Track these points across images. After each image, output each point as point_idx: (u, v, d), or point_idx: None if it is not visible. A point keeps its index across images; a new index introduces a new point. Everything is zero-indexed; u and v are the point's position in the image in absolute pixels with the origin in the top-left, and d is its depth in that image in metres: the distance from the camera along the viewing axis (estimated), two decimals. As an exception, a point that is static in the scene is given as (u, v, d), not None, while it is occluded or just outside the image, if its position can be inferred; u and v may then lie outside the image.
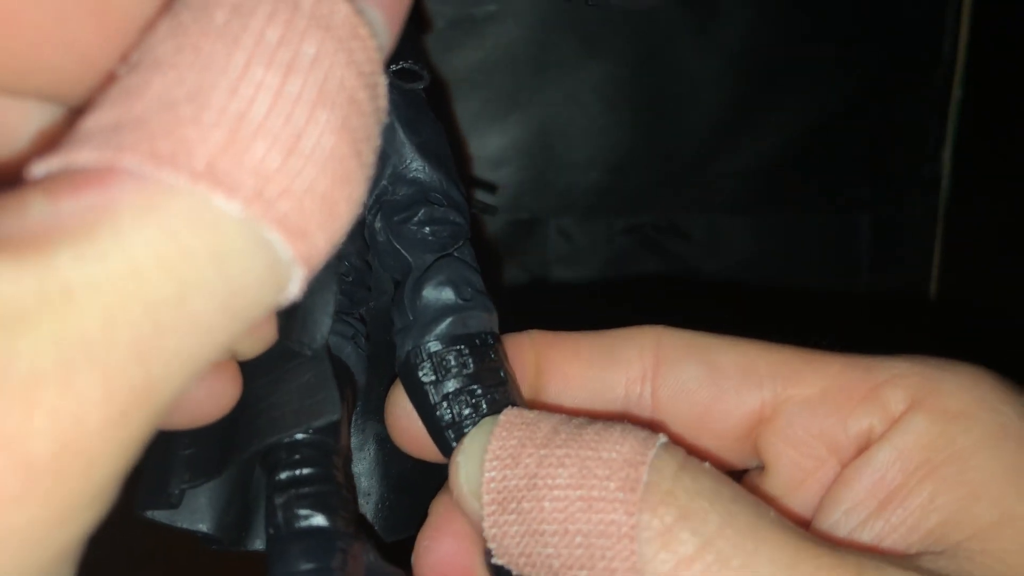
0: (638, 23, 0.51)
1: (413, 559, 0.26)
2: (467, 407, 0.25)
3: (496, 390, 0.25)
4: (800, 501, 0.26)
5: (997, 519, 0.22)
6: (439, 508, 0.25)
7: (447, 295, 0.26)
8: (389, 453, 0.29)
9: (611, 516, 0.20)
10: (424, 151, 0.27)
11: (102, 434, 0.13)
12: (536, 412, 0.23)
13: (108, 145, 0.14)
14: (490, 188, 0.52)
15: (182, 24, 0.15)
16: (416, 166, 0.27)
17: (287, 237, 0.14)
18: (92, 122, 0.14)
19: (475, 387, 0.25)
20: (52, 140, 0.16)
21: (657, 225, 0.55)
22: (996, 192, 0.57)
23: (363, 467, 0.29)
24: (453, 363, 0.25)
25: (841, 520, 0.24)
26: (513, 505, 0.21)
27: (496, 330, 0.27)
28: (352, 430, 0.29)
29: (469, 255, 0.27)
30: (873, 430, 0.25)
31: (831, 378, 0.25)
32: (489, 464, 0.22)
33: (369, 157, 0.16)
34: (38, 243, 0.13)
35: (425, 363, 0.25)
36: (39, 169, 0.14)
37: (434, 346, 0.25)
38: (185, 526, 0.26)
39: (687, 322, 0.28)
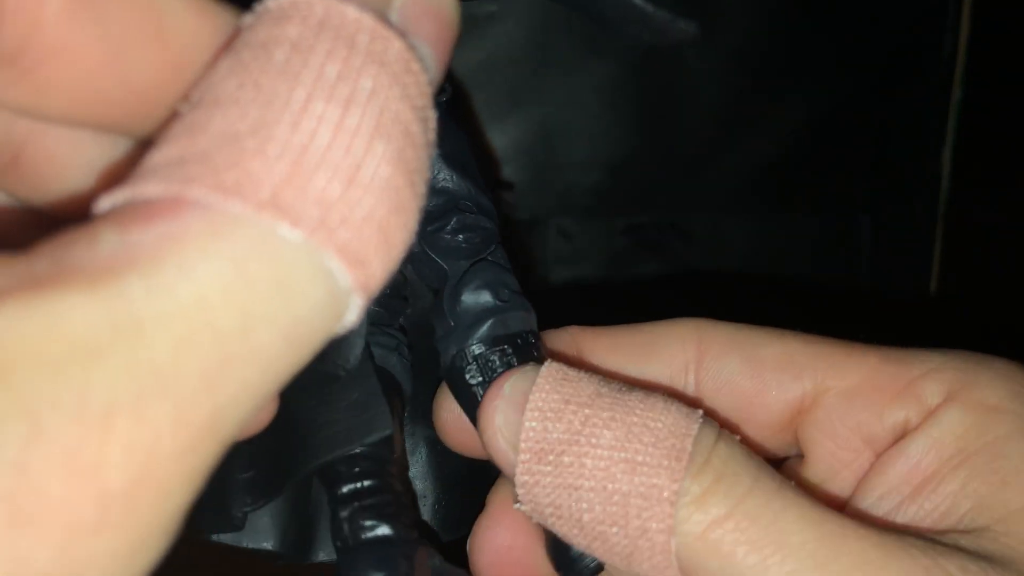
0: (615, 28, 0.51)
1: (469, 550, 0.27)
2: None
3: None
4: (835, 491, 0.27)
5: (1023, 505, 0.23)
6: (495, 500, 0.26)
7: (485, 298, 0.27)
8: (440, 455, 0.30)
9: (654, 480, 0.22)
10: (450, 161, 0.27)
11: (172, 464, 0.13)
12: (578, 371, 0.24)
13: (174, 178, 0.14)
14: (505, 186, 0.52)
15: (242, 62, 0.15)
16: (444, 176, 0.27)
17: (347, 265, 0.15)
18: (157, 157, 0.14)
19: None
20: (116, 177, 0.17)
21: (657, 225, 0.55)
22: (996, 192, 0.57)
23: (416, 470, 0.30)
24: (498, 363, 0.26)
25: (875, 505, 0.25)
26: (551, 457, 0.22)
27: (535, 328, 0.28)
28: (404, 433, 0.29)
29: (502, 257, 0.28)
30: (909, 422, 0.25)
31: (869, 371, 0.26)
32: (531, 414, 0.23)
33: (421, 188, 0.16)
34: (109, 274, 0.13)
35: (471, 365, 0.26)
36: (106, 203, 0.14)
37: (478, 348, 0.26)
38: (251, 546, 0.27)
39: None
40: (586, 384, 0.23)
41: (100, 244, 0.13)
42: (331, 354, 0.25)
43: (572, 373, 0.23)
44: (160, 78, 0.17)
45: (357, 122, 0.15)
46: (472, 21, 0.50)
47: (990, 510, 0.23)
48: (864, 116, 0.55)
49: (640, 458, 0.22)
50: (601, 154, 0.53)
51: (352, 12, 0.15)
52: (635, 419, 0.22)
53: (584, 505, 0.22)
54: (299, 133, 0.14)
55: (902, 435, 0.26)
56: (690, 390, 0.28)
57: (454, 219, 0.27)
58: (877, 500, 0.25)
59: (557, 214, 0.54)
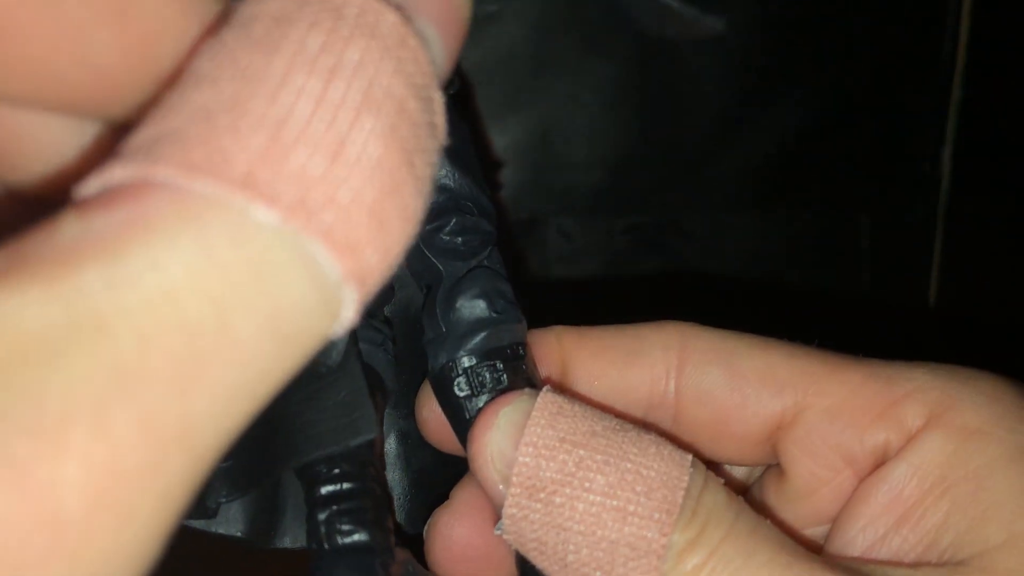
0: (638, 22, 0.51)
1: (426, 539, 0.27)
2: None
3: None
4: (814, 508, 0.27)
5: (1004, 540, 0.23)
6: (459, 494, 0.26)
7: (480, 308, 0.26)
8: (410, 447, 0.29)
9: (644, 532, 0.22)
10: (452, 157, 0.27)
11: (138, 482, 0.12)
12: (572, 404, 0.24)
13: (142, 159, 0.13)
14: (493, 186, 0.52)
15: (223, 41, 0.14)
16: (445, 172, 0.27)
17: (334, 251, 0.13)
18: (131, 142, 0.14)
19: None
20: (93, 162, 0.16)
21: (657, 224, 0.55)
22: (996, 192, 0.57)
23: (384, 460, 0.29)
24: (488, 378, 0.26)
25: (858, 536, 0.25)
26: (542, 495, 0.22)
27: (525, 339, 0.27)
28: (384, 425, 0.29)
29: (498, 262, 0.28)
30: (889, 445, 0.25)
31: (851, 389, 0.26)
32: (524, 449, 0.23)
33: (424, 171, 0.15)
34: (67, 266, 0.12)
35: (460, 378, 0.26)
36: (78, 192, 0.13)
37: (468, 360, 0.26)
38: (221, 531, 0.26)
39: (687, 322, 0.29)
40: (581, 421, 0.23)
41: (60, 233, 0.12)
42: None
43: (567, 406, 0.23)
44: (124, 60, 0.15)
45: (342, 95, 0.14)
46: (472, 21, 0.50)
47: (971, 544, 0.23)
48: (864, 116, 0.55)
49: (632, 508, 0.22)
50: (601, 154, 0.53)
51: None
52: (628, 465, 0.22)
53: (571, 547, 0.22)
54: (276, 106, 0.13)
55: (883, 457, 0.25)
56: (670, 397, 0.27)
57: (454, 219, 0.27)
58: (861, 530, 0.25)
59: (557, 214, 0.54)
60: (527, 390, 0.24)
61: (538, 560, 0.23)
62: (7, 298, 0.11)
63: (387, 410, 0.29)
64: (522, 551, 0.23)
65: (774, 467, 0.28)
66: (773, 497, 0.27)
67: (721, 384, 0.27)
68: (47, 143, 0.17)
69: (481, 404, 0.26)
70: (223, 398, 0.12)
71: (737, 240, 0.56)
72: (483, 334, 0.26)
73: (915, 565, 0.23)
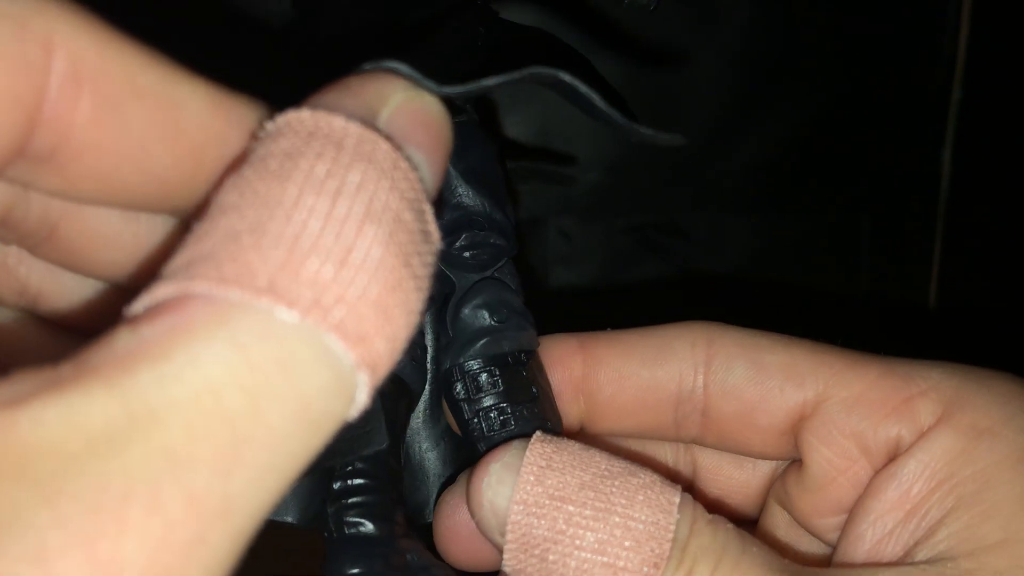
0: (638, 22, 0.51)
1: (434, 516, 0.28)
2: (497, 423, 0.28)
3: (526, 406, 0.28)
4: (832, 497, 0.28)
5: (1000, 540, 0.23)
6: (466, 479, 0.27)
7: (483, 317, 0.28)
8: (460, 445, 0.31)
9: None
10: (468, 176, 0.28)
11: (187, 553, 0.13)
12: (560, 453, 0.24)
13: (182, 277, 0.15)
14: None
15: (243, 176, 0.17)
16: (461, 191, 0.28)
17: (346, 342, 0.15)
18: (171, 265, 0.16)
19: (505, 404, 0.28)
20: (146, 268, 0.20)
21: (657, 225, 0.55)
22: (996, 192, 0.57)
23: (438, 454, 0.31)
24: (485, 382, 0.28)
25: (868, 531, 0.26)
26: (537, 551, 0.23)
27: (532, 346, 0.29)
28: (429, 422, 0.32)
29: (510, 275, 0.29)
30: (902, 439, 0.26)
31: (869, 383, 0.27)
32: (515, 507, 0.24)
33: (421, 270, 0.17)
34: (123, 368, 0.14)
35: (459, 381, 0.28)
36: (128, 311, 0.15)
37: (469, 365, 0.28)
38: (273, 518, 0.28)
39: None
40: (570, 474, 0.24)
41: (115, 343, 0.14)
42: None
43: (556, 457, 0.24)
44: (179, 166, 0.18)
45: (346, 211, 0.16)
46: (472, 21, 0.50)
47: (967, 541, 0.23)
48: (864, 116, 0.55)
49: (621, 563, 0.23)
50: (601, 154, 0.53)
51: (339, 121, 0.17)
52: (616, 519, 0.23)
53: None
54: (291, 225, 0.15)
55: (895, 450, 0.26)
56: (698, 392, 0.28)
57: (464, 235, 0.28)
58: (871, 524, 0.26)
59: (557, 214, 0.54)
60: (516, 442, 0.25)
61: None
62: (75, 398, 0.13)
63: (441, 411, 0.31)
64: None
65: (796, 461, 0.29)
66: (794, 489, 0.28)
67: (746, 378, 0.28)
68: (111, 235, 0.21)
69: (481, 405, 0.28)
70: (259, 477, 0.14)
71: (737, 240, 0.56)
72: (483, 340, 0.28)
73: (901, 563, 0.24)
